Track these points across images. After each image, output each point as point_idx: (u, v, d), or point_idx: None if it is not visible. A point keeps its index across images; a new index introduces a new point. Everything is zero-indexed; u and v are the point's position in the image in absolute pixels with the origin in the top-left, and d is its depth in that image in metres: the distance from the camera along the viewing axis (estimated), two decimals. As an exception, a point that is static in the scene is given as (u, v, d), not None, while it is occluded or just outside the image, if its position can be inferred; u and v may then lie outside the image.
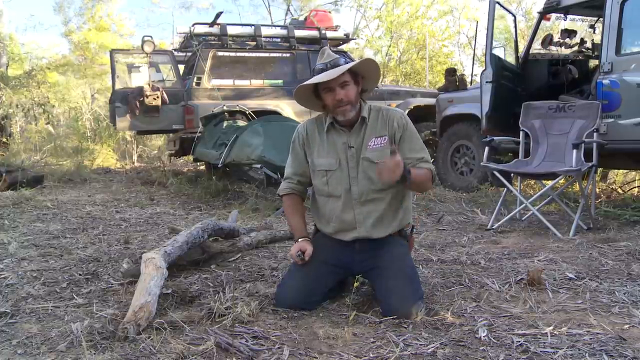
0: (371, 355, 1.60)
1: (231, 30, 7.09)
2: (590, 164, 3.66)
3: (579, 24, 5.64)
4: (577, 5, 4.89)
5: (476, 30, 6.71)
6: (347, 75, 2.02)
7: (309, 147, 2.20)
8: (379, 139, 2.09)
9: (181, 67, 7.58)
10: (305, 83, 2.10)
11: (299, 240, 2.15)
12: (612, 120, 4.10)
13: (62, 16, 19.17)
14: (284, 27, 7.85)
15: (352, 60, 2.08)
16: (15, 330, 1.82)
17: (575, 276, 2.42)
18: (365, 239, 2.11)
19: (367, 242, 2.12)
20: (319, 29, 7.49)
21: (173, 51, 7.47)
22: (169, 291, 2.09)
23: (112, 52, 7.25)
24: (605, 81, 4.14)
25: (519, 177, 4.10)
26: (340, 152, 2.12)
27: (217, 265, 2.69)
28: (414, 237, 2.43)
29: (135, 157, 11.39)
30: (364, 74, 2.12)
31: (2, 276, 2.47)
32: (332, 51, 2.11)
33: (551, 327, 1.80)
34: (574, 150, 3.53)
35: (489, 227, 3.69)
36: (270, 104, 6.95)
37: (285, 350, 1.63)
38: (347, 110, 2.06)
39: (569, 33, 5.34)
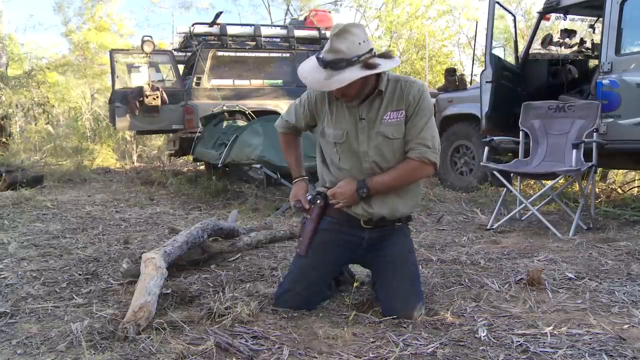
0: (371, 355, 1.60)
1: (231, 30, 7.10)
2: (589, 164, 3.67)
3: (579, 24, 5.64)
4: (576, 5, 4.90)
5: (476, 30, 6.73)
6: None
7: (317, 114, 2.07)
8: (395, 112, 1.94)
9: (181, 67, 7.59)
10: (300, 76, 1.93)
11: (296, 181, 2.18)
12: (612, 120, 4.10)
13: (62, 16, 19.18)
14: (283, 27, 7.86)
15: (358, 57, 1.81)
16: (15, 330, 1.82)
17: (575, 276, 2.42)
18: (373, 221, 2.01)
19: (377, 232, 2.03)
20: (318, 29, 7.50)
21: (173, 51, 7.48)
22: (169, 291, 2.09)
23: (112, 52, 7.25)
24: (605, 81, 4.14)
25: (518, 177, 4.10)
26: (349, 124, 1.97)
27: (217, 265, 2.69)
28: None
29: (135, 157, 11.39)
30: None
31: (2, 276, 2.46)
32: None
33: (551, 327, 1.80)
34: (574, 150, 3.53)
35: (488, 227, 3.69)
36: (270, 104, 6.96)
37: (285, 350, 1.63)
38: (349, 101, 1.94)
39: (568, 33, 5.34)
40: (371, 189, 1.95)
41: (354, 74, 1.78)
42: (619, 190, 5.28)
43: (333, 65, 1.78)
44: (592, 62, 5.53)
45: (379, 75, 1.92)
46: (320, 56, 1.83)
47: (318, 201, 2.07)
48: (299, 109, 2.13)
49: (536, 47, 5.52)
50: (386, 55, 1.89)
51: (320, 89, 1.89)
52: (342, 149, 2.00)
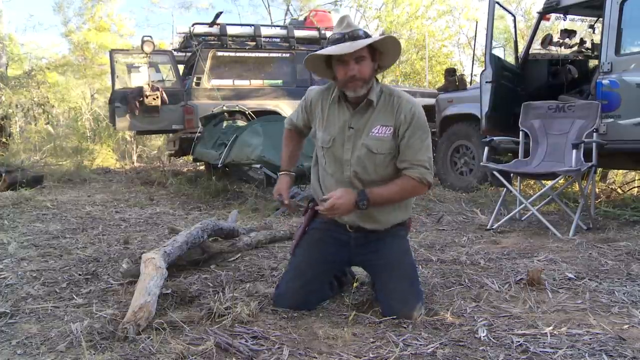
0: (371, 355, 1.60)
1: (231, 31, 7.10)
2: (589, 164, 3.67)
3: (579, 24, 5.65)
4: (576, 5, 4.90)
5: (476, 30, 6.72)
6: (364, 50, 1.89)
7: (311, 116, 2.13)
8: (383, 127, 1.97)
9: (181, 67, 7.59)
10: (317, 53, 1.99)
11: (281, 174, 2.23)
12: (612, 120, 4.10)
13: (62, 16, 19.20)
14: (283, 27, 7.87)
15: (370, 36, 1.95)
16: (15, 331, 1.82)
17: (575, 276, 2.42)
18: (359, 229, 2.05)
19: (363, 234, 2.06)
20: (318, 29, 7.50)
21: (173, 51, 7.48)
22: (169, 291, 2.09)
23: (112, 52, 7.26)
24: (605, 81, 4.14)
25: (518, 177, 4.10)
26: (337, 130, 2.01)
27: (217, 265, 2.69)
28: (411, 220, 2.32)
29: (134, 157, 11.40)
30: (383, 50, 1.96)
31: (2, 276, 2.46)
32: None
33: (551, 327, 1.80)
34: (574, 150, 3.53)
35: (488, 227, 3.69)
36: (270, 104, 6.96)
37: (285, 350, 1.63)
38: (358, 87, 1.93)
39: (568, 33, 5.35)
40: (371, 200, 1.94)
41: (374, 37, 1.91)
42: (619, 190, 5.28)
43: (354, 35, 1.89)
44: (592, 62, 5.53)
45: (372, 84, 1.99)
46: (336, 36, 1.91)
47: (311, 203, 2.14)
48: (299, 109, 2.21)
49: (536, 47, 5.52)
50: None
51: (347, 51, 1.87)
52: (328, 153, 2.05)
